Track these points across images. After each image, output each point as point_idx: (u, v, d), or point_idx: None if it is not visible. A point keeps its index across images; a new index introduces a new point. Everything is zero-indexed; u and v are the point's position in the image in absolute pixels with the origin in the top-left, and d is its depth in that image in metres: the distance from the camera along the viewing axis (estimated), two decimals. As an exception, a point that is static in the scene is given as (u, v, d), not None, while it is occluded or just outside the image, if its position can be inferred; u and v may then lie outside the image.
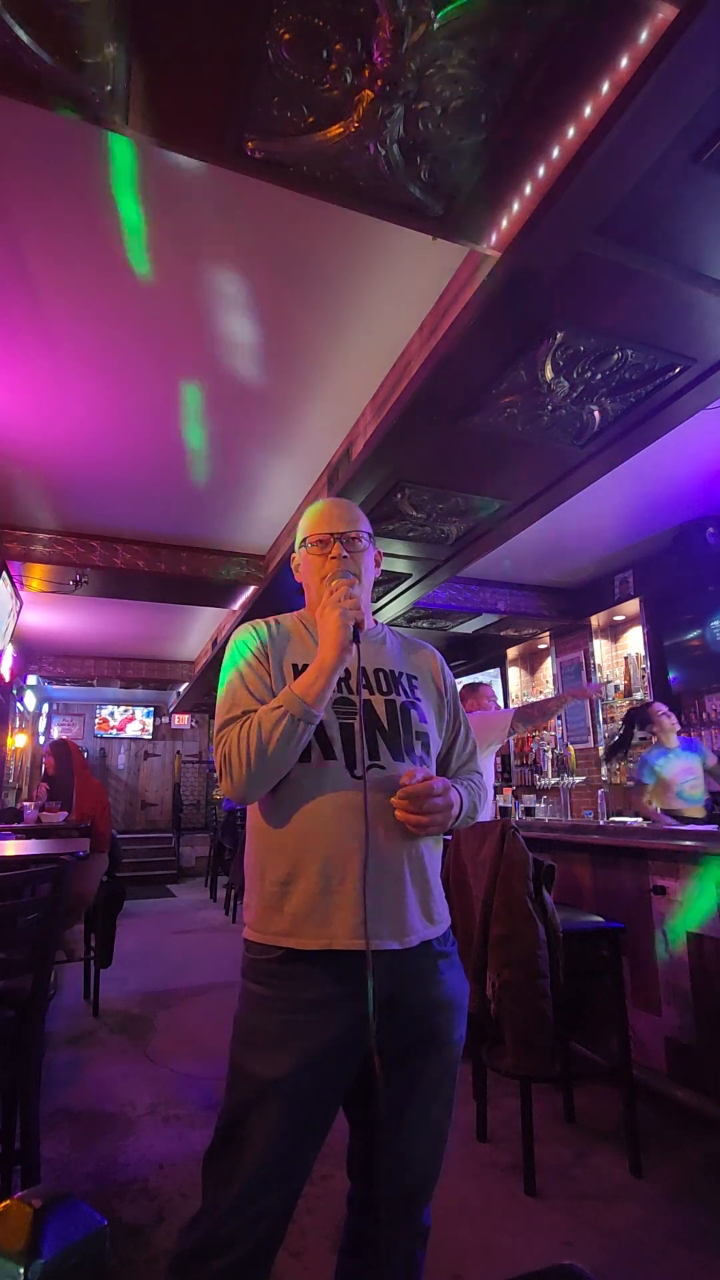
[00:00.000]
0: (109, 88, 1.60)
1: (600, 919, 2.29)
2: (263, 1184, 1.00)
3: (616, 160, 1.70)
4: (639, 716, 4.34)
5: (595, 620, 6.18)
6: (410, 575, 4.84)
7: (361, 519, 1.29)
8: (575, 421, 2.93)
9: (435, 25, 1.49)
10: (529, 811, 6.34)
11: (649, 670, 5.55)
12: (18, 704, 8.52)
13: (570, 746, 6.30)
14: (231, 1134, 1.03)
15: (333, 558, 1.24)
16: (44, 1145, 2.03)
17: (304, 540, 1.29)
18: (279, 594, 5.23)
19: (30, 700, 9.41)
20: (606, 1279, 1.59)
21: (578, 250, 1.99)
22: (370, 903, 1.02)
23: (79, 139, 1.97)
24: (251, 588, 5.51)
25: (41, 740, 10.40)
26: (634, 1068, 2.13)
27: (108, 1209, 1.85)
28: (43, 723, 11.02)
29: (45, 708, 11.16)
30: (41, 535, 4.84)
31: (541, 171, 1.83)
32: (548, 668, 6.91)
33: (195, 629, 8.01)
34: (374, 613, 2.12)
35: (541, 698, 6.86)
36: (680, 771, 3.99)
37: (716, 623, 5.02)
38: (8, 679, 7.13)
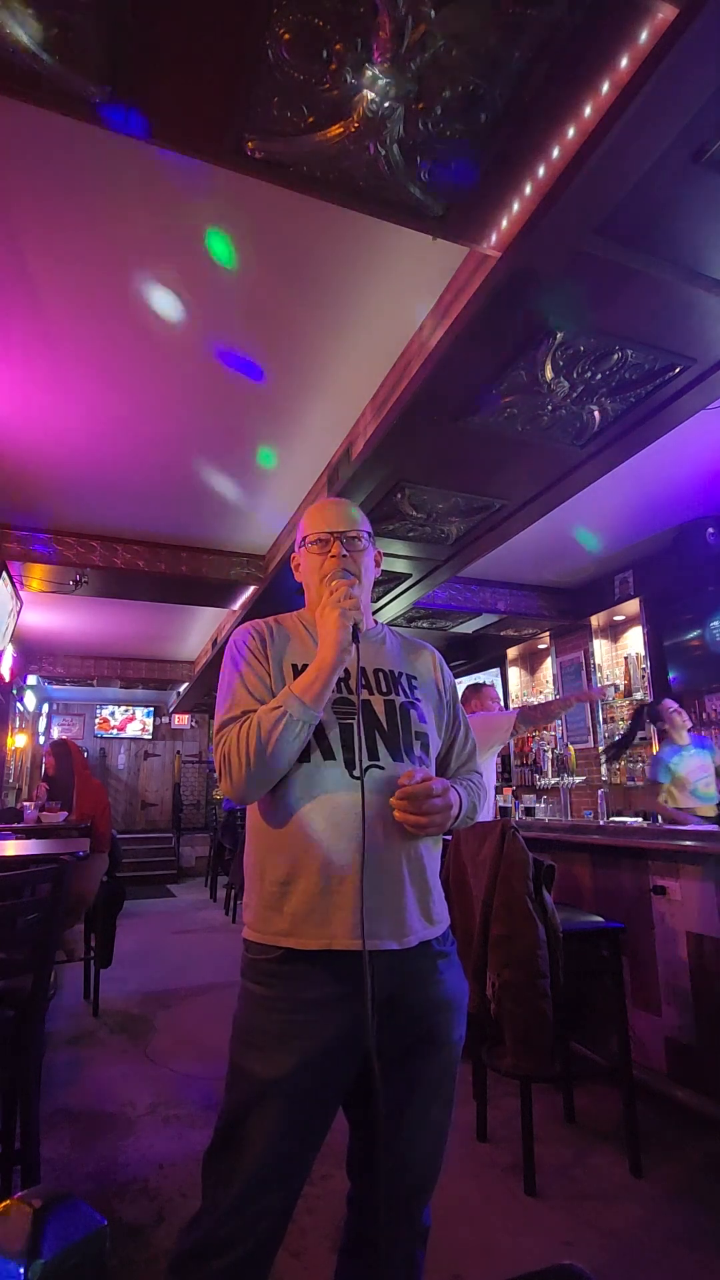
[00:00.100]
0: (109, 88, 1.60)
1: (600, 919, 2.29)
2: (263, 1184, 1.00)
3: (616, 160, 1.70)
4: (650, 713, 4.32)
5: (595, 620, 6.18)
6: (410, 575, 4.84)
7: (361, 519, 1.29)
8: (575, 421, 2.93)
9: (435, 25, 1.49)
10: (529, 811, 6.35)
11: (649, 670, 5.55)
12: (18, 704, 8.52)
13: (570, 746, 6.30)
14: (231, 1134, 1.03)
15: (333, 557, 1.23)
16: (44, 1145, 2.03)
17: (304, 540, 1.29)
18: (279, 594, 5.23)
19: (30, 700, 9.41)
20: (606, 1279, 1.59)
21: (578, 250, 1.99)
22: (369, 903, 1.02)
23: (79, 139, 1.97)
24: (251, 588, 5.52)
25: (41, 740, 10.40)
26: (634, 1068, 2.13)
27: (108, 1209, 1.85)
28: (43, 723, 11.02)
29: (45, 708, 11.16)
30: (41, 535, 4.84)
31: (541, 171, 1.83)
32: (548, 668, 6.91)
33: (195, 629, 8.01)
34: (374, 613, 2.12)
35: (543, 699, 6.87)
36: (695, 769, 3.94)
37: (716, 623, 5.02)
38: (8, 679, 7.13)
